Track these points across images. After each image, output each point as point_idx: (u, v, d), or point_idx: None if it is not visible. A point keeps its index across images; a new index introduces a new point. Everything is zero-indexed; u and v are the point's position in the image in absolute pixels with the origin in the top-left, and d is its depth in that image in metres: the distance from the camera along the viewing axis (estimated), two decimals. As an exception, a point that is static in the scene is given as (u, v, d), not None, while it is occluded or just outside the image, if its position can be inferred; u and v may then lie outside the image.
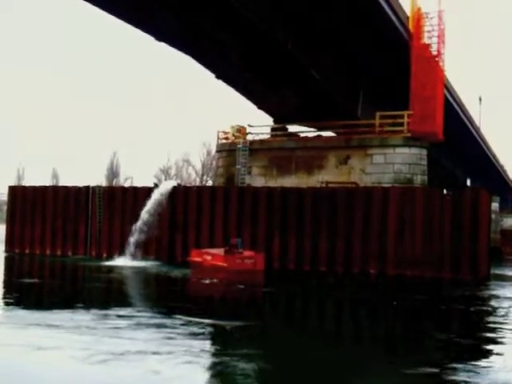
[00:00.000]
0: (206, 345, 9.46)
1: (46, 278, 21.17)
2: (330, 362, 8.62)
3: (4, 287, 17.35)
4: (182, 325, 10.65)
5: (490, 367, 8.33)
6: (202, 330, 10.31)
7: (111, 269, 22.34)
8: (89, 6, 20.92)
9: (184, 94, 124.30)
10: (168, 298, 15.67)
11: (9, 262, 25.99)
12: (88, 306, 13.04)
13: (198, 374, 7.61)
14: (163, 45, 24.92)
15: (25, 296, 15.35)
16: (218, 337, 10.22)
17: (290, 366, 8.44)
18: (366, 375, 8.03)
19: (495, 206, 44.70)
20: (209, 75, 28.92)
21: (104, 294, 16.55)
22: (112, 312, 11.96)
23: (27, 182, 70.99)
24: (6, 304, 13.45)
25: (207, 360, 8.42)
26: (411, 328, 12.39)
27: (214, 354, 8.84)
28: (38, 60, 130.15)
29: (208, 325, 10.83)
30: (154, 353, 8.35)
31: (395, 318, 14.05)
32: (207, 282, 18.94)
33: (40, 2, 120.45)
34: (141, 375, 7.32)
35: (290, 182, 27.48)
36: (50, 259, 26.50)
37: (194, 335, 9.86)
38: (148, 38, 24.10)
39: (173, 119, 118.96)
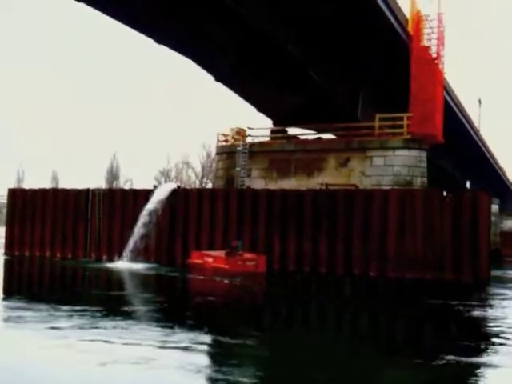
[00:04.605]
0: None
1: (129, 289, 18.51)
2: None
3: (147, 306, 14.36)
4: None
5: None
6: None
7: (148, 274, 21.86)
8: (91, 8, 21.04)
9: (184, 96, 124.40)
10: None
11: (39, 267, 25.20)
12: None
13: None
14: (163, 47, 25.00)
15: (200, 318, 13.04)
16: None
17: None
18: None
19: (495, 208, 44.66)
20: (209, 77, 29.00)
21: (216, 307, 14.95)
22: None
23: (27, 185, 71.06)
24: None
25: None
26: None
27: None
28: (38, 60, 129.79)
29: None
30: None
31: None
32: None
33: (40, 2, 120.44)
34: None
35: (289, 184, 27.47)
36: (55, 262, 26.31)
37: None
38: (148, 40, 24.21)
39: (173, 121, 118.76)
